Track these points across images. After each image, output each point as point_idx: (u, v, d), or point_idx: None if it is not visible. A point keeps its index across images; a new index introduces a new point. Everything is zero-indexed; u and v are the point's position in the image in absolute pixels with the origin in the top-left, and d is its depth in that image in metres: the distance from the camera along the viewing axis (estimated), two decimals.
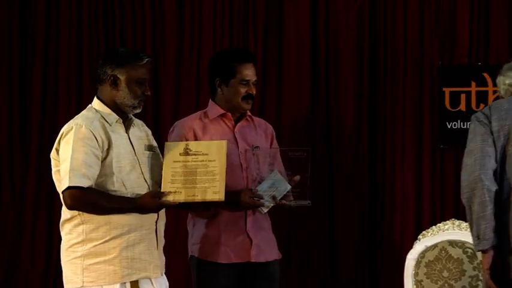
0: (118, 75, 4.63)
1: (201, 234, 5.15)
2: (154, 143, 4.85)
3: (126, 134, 4.67)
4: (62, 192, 4.49)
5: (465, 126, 6.88)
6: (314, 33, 7.18)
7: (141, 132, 4.80)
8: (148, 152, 4.75)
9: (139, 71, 4.66)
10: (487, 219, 4.37)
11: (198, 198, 4.69)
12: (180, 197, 4.63)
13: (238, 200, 5.00)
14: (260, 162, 5.11)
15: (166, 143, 4.77)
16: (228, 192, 4.85)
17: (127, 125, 4.71)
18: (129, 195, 4.58)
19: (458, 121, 7.05)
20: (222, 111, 5.18)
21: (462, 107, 6.96)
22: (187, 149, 4.76)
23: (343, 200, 7.12)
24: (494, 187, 4.37)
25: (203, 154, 4.75)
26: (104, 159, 4.55)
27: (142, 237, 4.62)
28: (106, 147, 4.56)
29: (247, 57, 5.26)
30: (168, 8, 7.28)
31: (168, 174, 4.67)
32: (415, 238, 6.07)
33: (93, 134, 4.53)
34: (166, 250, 5.65)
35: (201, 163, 4.74)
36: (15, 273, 7.25)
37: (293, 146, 5.76)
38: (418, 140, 7.07)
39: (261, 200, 5.00)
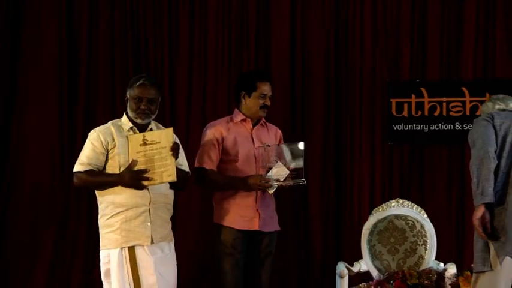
0: (127, 96, 5.08)
1: (223, 207, 5.44)
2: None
3: None
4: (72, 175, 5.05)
5: (407, 128, 7.35)
6: (292, 53, 7.54)
7: None
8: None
9: (135, 91, 5.03)
10: (490, 181, 4.68)
11: (157, 182, 4.95)
12: (145, 183, 4.91)
13: (253, 182, 5.32)
14: (269, 156, 5.36)
15: (128, 136, 4.94)
16: (244, 177, 5.33)
17: (142, 131, 5.05)
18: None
19: (402, 124, 7.39)
20: (244, 117, 5.49)
21: (405, 113, 7.36)
22: (145, 139, 4.92)
23: (315, 185, 7.39)
24: (496, 162, 4.72)
25: (157, 143, 4.93)
26: (110, 155, 4.98)
27: (137, 214, 4.97)
28: (111, 146, 4.98)
29: (266, 77, 5.59)
30: (181, 35, 7.61)
31: (133, 163, 4.91)
32: (369, 213, 6.50)
33: (100, 137, 4.99)
34: (194, 219, 6.55)
35: (156, 151, 4.92)
36: (65, 235, 7.53)
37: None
38: (372, 138, 7.46)
39: (268, 183, 5.29)
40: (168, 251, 5.08)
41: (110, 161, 4.99)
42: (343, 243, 7.45)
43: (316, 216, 7.52)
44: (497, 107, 5.05)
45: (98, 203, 5.07)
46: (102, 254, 5.01)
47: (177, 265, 6.36)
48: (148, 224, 4.98)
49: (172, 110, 7.60)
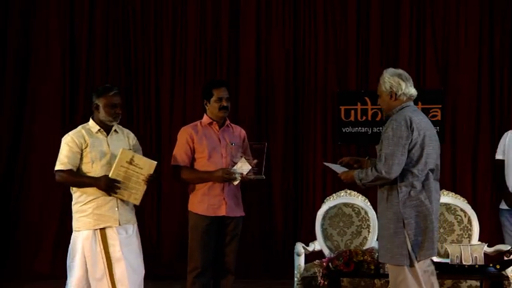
0: (98, 103, 5.15)
1: (195, 197, 5.47)
2: (132, 146, 5.19)
3: (106, 138, 5.15)
4: (54, 173, 5.13)
5: (354, 131, 7.59)
6: (258, 69, 7.87)
7: (124, 137, 5.23)
8: (123, 150, 5.07)
9: (109, 99, 5.12)
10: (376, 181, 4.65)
11: (125, 198, 5.03)
12: (113, 194, 5.01)
13: (218, 175, 5.34)
14: (233, 153, 5.42)
15: (122, 149, 5.01)
16: (212, 171, 5.35)
17: (108, 132, 5.15)
18: (99, 174, 5.04)
19: (350, 127, 7.65)
20: (211, 121, 5.48)
21: (352, 118, 7.63)
22: (132, 159, 5.01)
23: (277, 178, 7.65)
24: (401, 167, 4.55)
25: (139, 168, 5.02)
26: (84, 153, 5.07)
27: (106, 202, 5.09)
28: (84, 146, 5.09)
29: (219, 83, 5.57)
30: (165, 52, 7.91)
31: (115, 172, 4.99)
32: (322, 201, 6.66)
33: (74, 139, 5.09)
34: (177, 206, 6.72)
35: (136, 173, 5.01)
36: (66, 221, 6.89)
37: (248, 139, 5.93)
38: (324, 139, 7.80)
39: (233, 176, 5.30)
40: (131, 232, 5.15)
41: (84, 158, 5.10)
42: (301, 227, 7.73)
43: (278, 205, 7.80)
44: (410, 91, 4.76)
45: (72, 192, 5.18)
46: (77, 234, 5.10)
47: (162, 243, 7.00)
48: (116, 209, 5.08)
49: (157, 115, 7.83)
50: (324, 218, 6.51)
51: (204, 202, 5.44)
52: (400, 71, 4.85)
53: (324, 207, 6.54)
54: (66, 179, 5.09)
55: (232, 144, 5.46)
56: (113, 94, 5.11)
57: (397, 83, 4.76)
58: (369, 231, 6.42)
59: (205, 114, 5.57)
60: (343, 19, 7.81)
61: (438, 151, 4.81)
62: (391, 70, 4.84)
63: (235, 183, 5.39)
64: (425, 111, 7.40)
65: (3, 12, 7.91)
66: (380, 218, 4.79)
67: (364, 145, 7.69)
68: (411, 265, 4.67)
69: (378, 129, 7.59)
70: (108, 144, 5.13)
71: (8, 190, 7.84)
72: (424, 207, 4.67)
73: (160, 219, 7.74)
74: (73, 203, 5.18)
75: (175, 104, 7.85)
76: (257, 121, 7.81)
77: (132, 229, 5.15)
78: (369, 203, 6.52)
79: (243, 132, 5.68)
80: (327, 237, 6.49)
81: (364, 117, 7.68)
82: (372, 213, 6.42)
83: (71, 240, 5.14)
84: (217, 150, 5.46)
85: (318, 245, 6.46)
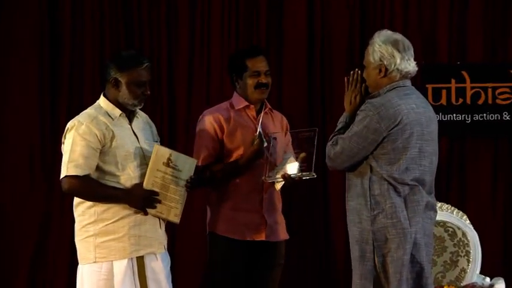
0: (119, 78, 4.48)
1: (221, 212, 4.92)
2: (156, 137, 4.72)
3: (130, 126, 4.53)
4: (61, 180, 4.39)
5: (446, 119, 6.90)
6: (311, 35, 7.02)
7: (144, 124, 4.67)
8: (150, 142, 4.61)
9: (139, 74, 4.50)
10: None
11: (164, 216, 4.54)
12: (151, 210, 4.53)
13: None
14: (276, 149, 4.92)
15: (155, 146, 4.54)
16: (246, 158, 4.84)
17: (130, 118, 4.57)
18: (133, 180, 4.47)
19: (440, 113, 6.82)
20: (246, 103, 4.93)
21: (443, 101, 6.88)
22: (170, 159, 4.52)
23: (336, 181, 6.62)
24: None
25: (178, 170, 4.55)
26: (108, 149, 4.43)
27: (146, 217, 4.49)
28: (109, 138, 4.44)
29: (256, 52, 5.00)
30: (181, 10, 7.09)
31: (149, 181, 4.49)
32: None
33: (92, 130, 4.42)
34: (197, 225, 6.00)
35: (175, 179, 4.55)
36: (46, 240, 7.08)
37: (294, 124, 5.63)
38: None
39: (273, 177, 4.81)
40: (166, 259, 4.65)
41: (107, 157, 4.41)
42: None
43: (337, 217, 6.82)
44: (407, 67, 4.25)
45: (85, 207, 4.43)
46: (98, 267, 4.41)
47: (179, 277, 6.11)
48: (159, 227, 4.53)
49: (171, 99, 7.04)
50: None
51: (235, 221, 4.87)
52: (398, 36, 4.32)
53: None
54: (81, 189, 4.40)
55: (273, 138, 4.93)
56: (144, 68, 4.49)
57: (391, 54, 4.28)
58: (468, 261, 5.73)
59: (235, 94, 4.97)
60: None
61: (433, 155, 4.33)
62: (385, 34, 4.33)
63: (278, 186, 4.86)
64: None
65: None
66: (349, 236, 4.52)
67: (460, 138, 6.94)
68: None
69: (480, 117, 6.85)
70: (136, 136, 4.53)
71: None
72: (401, 230, 4.21)
73: (174, 242, 6.89)
74: (88, 221, 4.44)
75: (195, 86, 7.04)
76: (309, 105, 7.05)
77: (168, 255, 4.67)
78: (467, 221, 5.75)
79: (285, 120, 5.18)
80: None
81: (460, 100, 6.88)
82: (472, 235, 5.72)
83: (82, 276, 4.48)
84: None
85: None
